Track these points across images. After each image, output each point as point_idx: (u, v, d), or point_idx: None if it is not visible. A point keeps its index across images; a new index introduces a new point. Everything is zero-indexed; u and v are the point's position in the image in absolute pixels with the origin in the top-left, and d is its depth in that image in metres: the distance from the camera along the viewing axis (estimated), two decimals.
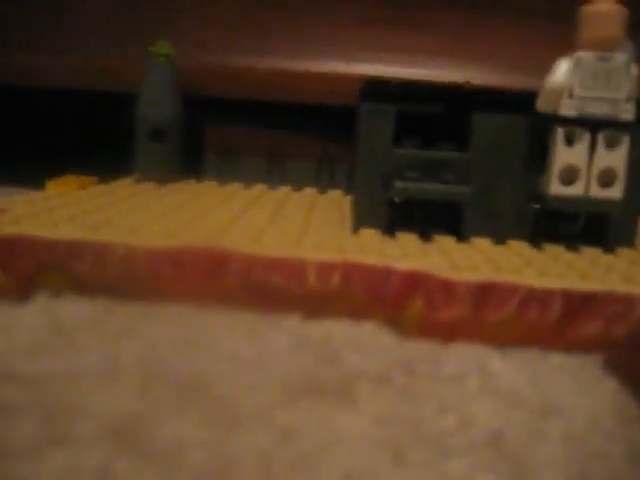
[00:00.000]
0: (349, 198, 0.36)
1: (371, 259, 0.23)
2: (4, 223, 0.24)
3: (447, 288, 0.22)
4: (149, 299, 0.23)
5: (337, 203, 0.34)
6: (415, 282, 0.22)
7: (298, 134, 0.38)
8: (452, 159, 0.26)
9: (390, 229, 0.27)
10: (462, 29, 0.38)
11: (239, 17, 0.39)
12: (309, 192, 0.36)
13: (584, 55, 0.25)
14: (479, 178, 0.27)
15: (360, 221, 0.27)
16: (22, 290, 0.23)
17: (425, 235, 0.27)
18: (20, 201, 0.29)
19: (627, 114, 0.25)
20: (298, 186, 0.37)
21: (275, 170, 0.39)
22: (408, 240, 0.26)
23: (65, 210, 0.27)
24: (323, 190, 0.37)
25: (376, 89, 0.26)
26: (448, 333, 0.21)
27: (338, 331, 0.21)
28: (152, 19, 0.38)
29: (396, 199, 0.26)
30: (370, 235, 0.26)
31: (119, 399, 0.16)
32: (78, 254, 0.23)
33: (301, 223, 0.28)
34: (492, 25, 0.38)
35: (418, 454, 0.15)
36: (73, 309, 0.22)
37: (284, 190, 0.36)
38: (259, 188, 0.36)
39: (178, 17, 0.40)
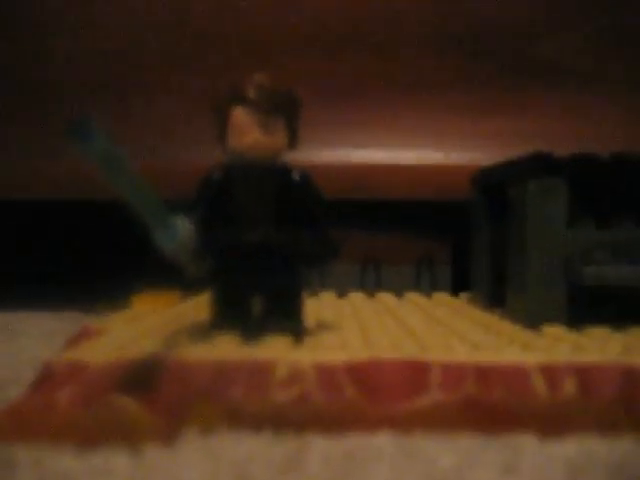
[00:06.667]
0: (462, 299, 0.32)
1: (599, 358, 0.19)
2: (114, 347, 0.20)
3: None
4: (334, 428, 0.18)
5: (462, 306, 0.30)
6: None
7: (394, 236, 0.34)
8: None
9: (574, 321, 0.23)
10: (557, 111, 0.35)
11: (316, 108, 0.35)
12: (415, 297, 0.32)
13: None
14: None
15: (538, 315, 0.23)
16: (170, 428, 0.18)
17: (617, 326, 0.23)
18: (116, 320, 0.24)
19: None
20: (395, 292, 0.33)
21: (369, 276, 0.34)
22: (603, 333, 0.22)
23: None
24: (427, 294, 0.33)
25: (544, 164, 0.23)
26: None
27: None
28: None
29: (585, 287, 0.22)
30: (560, 331, 0.22)
31: None
32: (230, 378, 0.18)
33: (454, 327, 0.23)
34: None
35: None
36: (239, 446, 0.17)
37: (388, 297, 0.31)
38: (358, 297, 0.32)
39: None
